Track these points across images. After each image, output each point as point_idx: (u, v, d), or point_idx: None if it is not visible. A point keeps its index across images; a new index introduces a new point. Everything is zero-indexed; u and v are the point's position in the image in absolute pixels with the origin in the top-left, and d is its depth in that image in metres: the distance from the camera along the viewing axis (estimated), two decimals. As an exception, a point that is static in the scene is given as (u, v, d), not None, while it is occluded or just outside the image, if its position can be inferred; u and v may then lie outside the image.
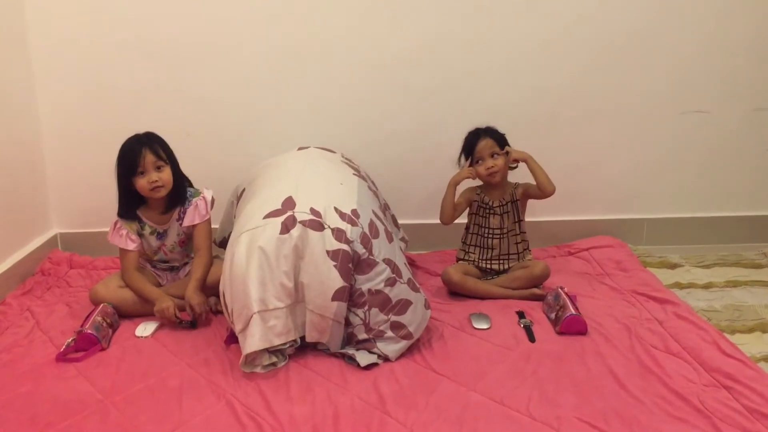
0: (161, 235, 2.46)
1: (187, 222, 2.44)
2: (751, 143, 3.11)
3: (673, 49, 2.97)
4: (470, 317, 2.33)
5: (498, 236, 2.62)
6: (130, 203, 2.40)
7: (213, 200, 2.48)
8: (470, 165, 2.59)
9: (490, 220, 2.63)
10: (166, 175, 2.35)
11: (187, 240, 2.51)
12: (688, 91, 3.03)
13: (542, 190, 2.56)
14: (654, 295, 2.47)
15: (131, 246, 2.40)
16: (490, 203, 2.62)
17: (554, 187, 2.56)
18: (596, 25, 2.92)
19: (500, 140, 2.57)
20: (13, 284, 2.66)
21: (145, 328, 2.28)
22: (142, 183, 2.32)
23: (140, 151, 2.30)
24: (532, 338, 2.19)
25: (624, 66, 2.98)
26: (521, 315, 2.35)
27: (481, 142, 2.55)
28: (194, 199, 2.45)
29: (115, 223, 2.41)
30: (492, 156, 2.55)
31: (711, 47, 2.98)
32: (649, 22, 2.93)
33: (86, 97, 2.92)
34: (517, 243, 2.64)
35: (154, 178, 2.32)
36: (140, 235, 2.43)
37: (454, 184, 2.60)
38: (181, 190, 2.43)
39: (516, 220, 2.64)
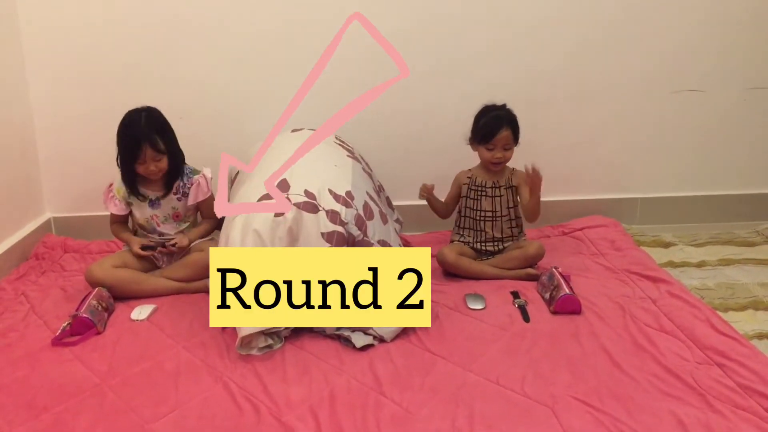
0: (153, 203, 2.50)
1: (191, 200, 2.53)
2: (745, 122, 3.11)
3: (667, 28, 2.96)
4: (465, 298, 2.34)
5: (490, 219, 2.60)
6: (130, 175, 2.46)
7: (212, 178, 2.56)
8: (478, 143, 2.55)
9: (482, 202, 2.60)
10: (163, 164, 2.43)
11: (182, 216, 2.55)
12: (683, 70, 3.02)
13: (526, 215, 2.54)
14: (647, 274, 2.48)
15: (113, 209, 2.52)
16: (483, 184, 2.60)
17: (537, 219, 2.53)
18: (590, 4, 2.90)
19: (516, 130, 2.52)
20: (8, 269, 2.66)
21: (141, 312, 2.28)
22: (140, 169, 2.42)
23: (140, 145, 2.36)
24: (526, 318, 2.20)
25: (618, 45, 2.97)
26: (516, 295, 2.36)
27: (502, 133, 2.48)
28: (195, 177, 2.52)
29: (110, 185, 2.51)
30: (505, 148, 2.51)
31: (705, 26, 2.96)
32: (644, 1, 2.91)
33: (78, 81, 2.90)
34: (511, 227, 2.62)
35: (151, 168, 2.41)
36: (128, 202, 2.51)
37: (425, 198, 2.61)
38: (177, 169, 2.50)
39: (510, 205, 2.60)
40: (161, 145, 2.38)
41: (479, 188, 2.60)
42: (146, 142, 2.35)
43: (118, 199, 2.49)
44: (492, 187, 2.59)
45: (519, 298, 2.34)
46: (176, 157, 2.48)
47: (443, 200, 2.71)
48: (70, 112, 2.93)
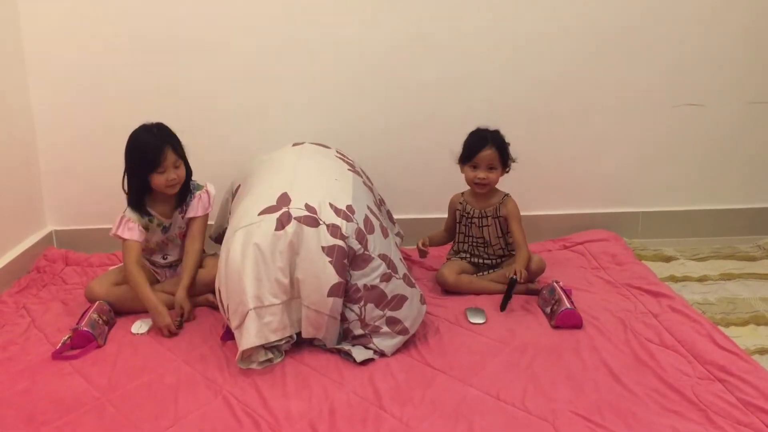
0: (166, 229, 2.47)
1: (190, 213, 2.46)
2: (746, 136, 3.12)
3: (668, 42, 2.97)
4: (466, 312, 2.34)
5: (482, 245, 2.59)
6: (141, 195, 2.38)
7: (215, 194, 2.53)
8: (464, 164, 2.52)
9: (472, 229, 2.59)
10: (182, 172, 2.37)
11: (188, 233, 2.51)
12: (683, 84, 3.03)
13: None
14: (649, 289, 2.48)
15: (135, 236, 2.34)
16: (471, 212, 2.57)
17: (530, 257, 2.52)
18: (592, 18, 2.92)
19: (504, 153, 2.49)
20: (8, 282, 2.66)
21: (141, 326, 2.28)
22: (159, 180, 2.31)
23: (163, 149, 2.28)
24: (504, 304, 2.32)
25: (619, 60, 2.98)
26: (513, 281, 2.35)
27: (484, 152, 2.45)
28: (198, 192, 2.48)
29: (122, 217, 2.36)
30: (488, 168, 2.48)
31: (706, 40, 2.98)
32: (645, 15, 2.92)
33: (80, 95, 2.91)
34: (503, 254, 2.60)
35: (172, 176, 2.32)
36: (146, 228, 2.41)
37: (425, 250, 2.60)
38: (189, 184, 2.46)
39: (498, 235, 2.57)
40: (180, 149, 2.35)
41: (467, 216, 2.58)
42: (168, 146, 2.29)
43: (139, 226, 2.35)
44: (479, 217, 2.56)
45: (514, 276, 2.34)
46: (188, 170, 2.43)
47: (442, 229, 2.70)
48: (72, 127, 2.94)
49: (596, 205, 3.17)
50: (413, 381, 1.92)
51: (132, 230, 2.35)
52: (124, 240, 2.35)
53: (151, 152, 2.28)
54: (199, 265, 2.46)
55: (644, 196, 3.18)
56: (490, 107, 2.88)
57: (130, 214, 2.36)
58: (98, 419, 1.77)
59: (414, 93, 2.97)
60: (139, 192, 2.36)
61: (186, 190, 2.44)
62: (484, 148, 2.46)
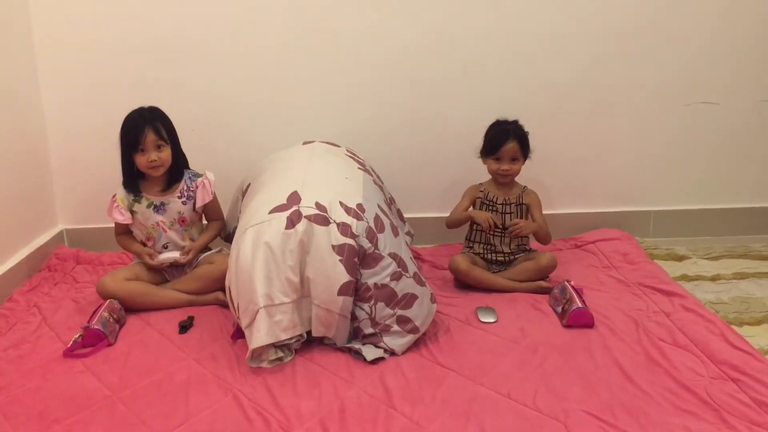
0: (158, 208, 2.49)
1: (199, 203, 2.52)
2: (758, 134, 3.09)
3: (679, 40, 2.95)
4: (477, 311, 2.33)
5: (499, 234, 2.59)
6: (132, 175, 2.47)
7: (214, 181, 2.57)
8: (486, 156, 2.59)
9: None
10: (165, 154, 2.42)
11: (188, 221, 2.54)
12: (695, 82, 3.01)
13: (537, 238, 2.63)
14: (661, 288, 2.46)
15: (119, 218, 2.48)
16: (494, 199, 2.61)
17: (548, 243, 2.68)
18: (602, 16, 2.90)
19: (525, 145, 2.56)
20: (20, 280, 2.67)
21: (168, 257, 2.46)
22: (141, 160, 2.40)
23: (142, 130, 2.37)
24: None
25: (630, 58, 2.96)
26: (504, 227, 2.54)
27: (507, 145, 2.53)
28: (199, 179, 2.53)
29: (113, 196, 2.49)
30: (511, 160, 2.55)
31: (718, 38, 2.96)
32: (656, 13, 2.91)
33: (91, 94, 2.92)
34: (518, 244, 2.62)
35: (153, 158, 2.39)
36: (132, 211, 2.49)
37: (470, 216, 2.60)
38: (180, 168, 2.51)
39: None
40: (163, 132, 2.40)
41: (490, 203, 2.61)
42: (148, 126, 2.36)
43: (122, 207, 2.47)
44: (503, 204, 2.60)
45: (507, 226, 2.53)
46: (179, 155, 2.49)
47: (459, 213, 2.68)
48: (83, 125, 2.95)
49: (608, 204, 3.16)
50: (424, 380, 1.92)
51: (116, 211, 2.48)
52: (115, 223, 2.52)
53: (132, 132, 2.38)
54: (216, 235, 2.63)
55: (656, 195, 3.16)
56: (501, 106, 2.86)
57: (119, 193, 2.48)
58: (109, 417, 1.77)
59: (424, 92, 2.96)
60: (129, 170, 2.46)
61: (175, 173, 2.49)
62: (507, 142, 2.53)
